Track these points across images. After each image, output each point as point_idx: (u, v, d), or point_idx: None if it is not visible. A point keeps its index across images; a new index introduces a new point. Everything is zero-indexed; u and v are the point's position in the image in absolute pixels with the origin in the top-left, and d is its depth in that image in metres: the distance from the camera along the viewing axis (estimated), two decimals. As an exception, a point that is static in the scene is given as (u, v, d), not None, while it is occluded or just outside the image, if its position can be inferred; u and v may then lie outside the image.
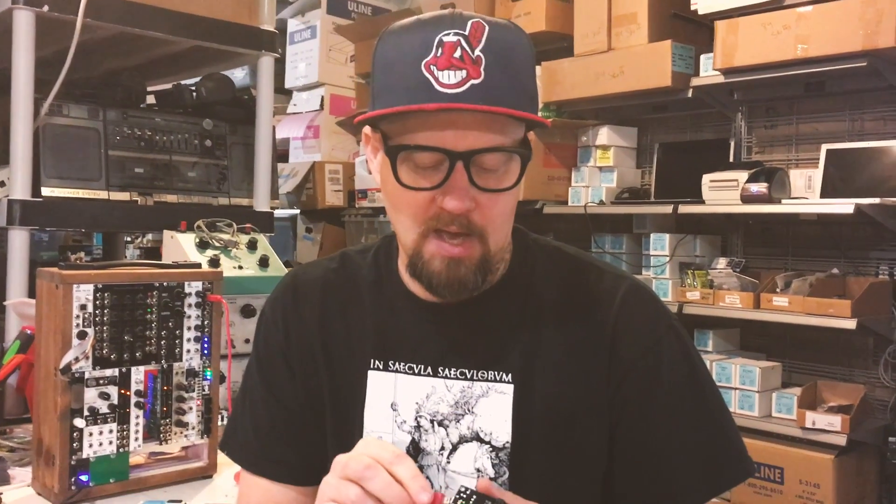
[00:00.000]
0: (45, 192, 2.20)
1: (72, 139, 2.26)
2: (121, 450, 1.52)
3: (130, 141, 2.37)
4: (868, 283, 2.98)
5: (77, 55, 2.14)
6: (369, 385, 1.02)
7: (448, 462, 0.99)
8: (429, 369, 1.00)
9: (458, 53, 0.86)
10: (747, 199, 3.08)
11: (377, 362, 1.03)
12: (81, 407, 1.47)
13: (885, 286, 3.03)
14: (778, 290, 3.15)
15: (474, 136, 0.88)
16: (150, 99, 2.71)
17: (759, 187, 3.05)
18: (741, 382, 3.14)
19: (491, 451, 0.98)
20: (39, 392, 1.54)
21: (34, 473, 1.55)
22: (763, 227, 3.49)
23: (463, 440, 0.99)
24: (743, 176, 3.13)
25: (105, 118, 2.32)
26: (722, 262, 3.37)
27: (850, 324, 2.82)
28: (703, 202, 3.27)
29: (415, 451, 1.00)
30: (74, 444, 1.47)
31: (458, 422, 0.99)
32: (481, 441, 0.98)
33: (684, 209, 3.32)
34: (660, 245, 3.52)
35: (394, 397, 1.01)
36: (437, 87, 0.86)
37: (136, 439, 1.54)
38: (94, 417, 1.49)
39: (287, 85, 5.17)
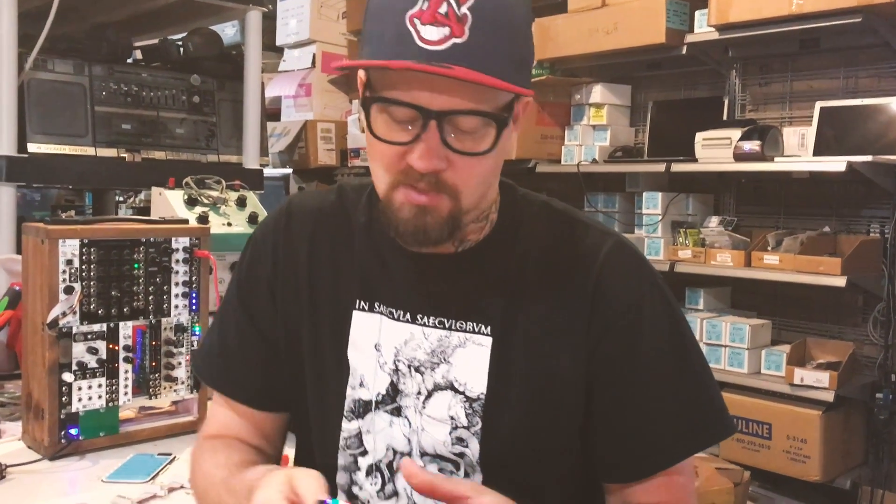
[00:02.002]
0: (32, 148, 2.17)
1: (57, 94, 2.23)
2: (110, 404, 1.53)
3: (117, 97, 2.34)
4: (859, 241, 2.99)
5: (61, 9, 2.10)
6: (354, 325, 1.03)
7: (424, 407, 1.00)
8: (407, 315, 1.01)
9: (443, 9, 0.84)
10: (740, 157, 3.07)
11: (363, 303, 1.03)
12: (70, 361, 1.48)
13: (876, 244, 3.03)
14: (769, 248, 3.15)
15: (450, 97, 0.86)
16: (137, 54, 2.67)
17: (752, 145, 3.04)
18: (731, 340, 3.16)
19: (465, 401, 0.98)
20: (28, 347, 1.54)
21: (24, 427, 1.56)
22: (755, 185, 3.49)
23: (437, 388, 0.99)
24: (736, 134, 3.11)
25: (91, 73, 2.29)
26: (714, 221, 3.37)
27: (840, 281, 2.83)
28: (695, 160, 3.26)
29: (393, 392, 1.01)
30: (63, 399, 1.48)
31: (434, 370, 0.99)
32: (455, 391, 0.99)
33: (677, 167, 3.32)
34: (652, 204, 3.51)
35: (378, 338, 1.02)
36: (417, 41, 0.84)
37: (126, 394, 1.55)
38: (83, 372, 1.49)
39: (278, 42, 5.11)
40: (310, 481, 0.85)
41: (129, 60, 2.58)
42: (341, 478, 1.04)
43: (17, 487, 1.37)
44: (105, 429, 1.53)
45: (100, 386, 1.52)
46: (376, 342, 1.02)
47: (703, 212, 3.55)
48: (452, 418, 0.98)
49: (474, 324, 0.98)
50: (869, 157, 2.79)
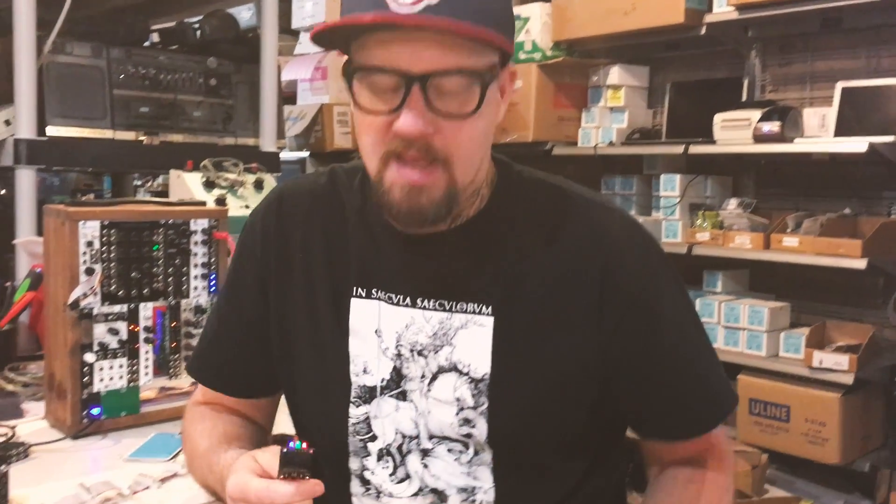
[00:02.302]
0: (51, 131, 2.19)
1: (76, 78, 2.25)
2: (131, 384, 1.55)
3: (135, 80, 2.35)
4: (880, 222, 2.95)
5: (79, -8, 2.12)
6: (352, 312, 1.02)
7: (429, 390, 1.00)
8: (407, 300, 1.00)
9: None
10: (760, 138, 3.04)
11: (360, 290, 1.02)
12: (91, 342, 1.50)
13: (897, 226, 3.00)
14: (788, 230, 3.12)
15: (431, 57, 0.85)
16: (154, 37, 2.68)
17: (772, 126, 3.00)
18: (749, 322, 3.15)
19: (469, 382, 0.98)
20: (49, 328, 1.56)
21: (47, 407, 1.58)
22: (775, 166, 3.45)
23: (441, 370, 0.99)
24: (755, 115, 3.08)
25: (109, 56, 2.30)
26: (733, 203, 3.34)
27: (861, 264, 2.80)
28: (714, 142, 3.22)
29: (398, 377, 1.01)
30: (85, 379, 1.49)
31: (437, 353, 0.99)
32: (459, 372, 0.98)
33: (695, 149, 3.28)
34: (670, 186, 3.49)
35: (378, 324, 1.01)
36: (391, 4, 0.83)
37: (147, 374, 1.57)
38: (104, 352, 1.51)
39: (294, 25, 5.09)
40: (272, 457, 0.89)
41: (147, 43, 2.59)
42: (353, 463, 1.04)
43: (41, 466, 1.39)
44: (126, 408, 1.55)
45: (121, 366, 1.53)
46: (376, 328, 1.01)
47: (722, 194, 3.52)
48: (458, 400, 0.98)
49: (475, 304, 0.98)
50: (891, 138, 2.75)
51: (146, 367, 1.56)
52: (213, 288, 1.63)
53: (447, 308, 0.98)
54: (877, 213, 3.15)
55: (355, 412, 1.02)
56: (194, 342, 1.61)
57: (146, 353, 1.56)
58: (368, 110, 0.89)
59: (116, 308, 1.52)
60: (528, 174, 1.05)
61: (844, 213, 3.12)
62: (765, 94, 3.46)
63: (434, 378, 0.99)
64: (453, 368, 0.98)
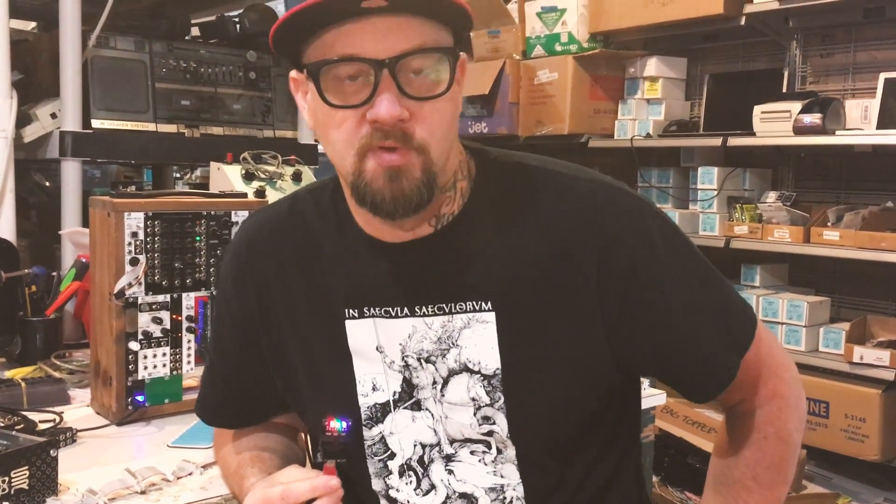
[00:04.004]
0: (96, 123, 2.23)
1: (119, 71, 2.28)
2: (174, 372, 1.58)
3: (176, 73, 2.38)
4: (924, 216, 2.90)
5: (122, -14, 2.14)
6: (349, 334, 1.00)
7: (442, 395, 0.99)
8: (405, 310, 0.98)
9: None
10: (800, 130, 2.99)
11: (352, 311, 1.00)
12: (136, 331, 1.53)
13: (942, 220, 2.94)
14: (829, 223, 3.08)
15: (395, 39, 0.84)
16: (195, 31, 2.71)
17: (813, 118, 2.96)
18: (788, 317, 3.11)
19: (482, 380, 0.97)
20: (95, 317, 1.60)
21: (93, 394, 1.62)
22: (816, 159, 3.40)
23: (452, 373, 0.98)
24: (796, 107, 3.04)
25: (151, 50, 2.34)
26: (772, 196, 3.30)
27: (903, 258, 2.76)
28: (753, 134, 3.19)
29: (409, 387, 1.00)
30: (130, 366, 1.53)
31: (444, 356, 0.98)
32: (471, 371, 0.97)
33: (734, 142, 3.25)
34: (708, 179, 3.45)
35: (378, 340, 1.00)
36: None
37: (189, 362, 1.60)
38: (148, 341, 1.54)
39: (330, 18, 5.12)
40: (288, 471, 0.94)
41: (187, 37, 2.62)
42: (376, 485, 1.04)
43: (88, 451, 1.43)
44: (170, 396, 1.58)
45: (164, 355, 1.56)
46: (377, 345, 0.99)
47: (761, 187, 3.47)
48: (474, 399, 0.97)
49: (473, 302, 0.96)
50: (936, 130, 2.71)
51: (188, 355, 1.59)
52: (254, 278, 1.65)
53: (447, 311, 0.97)
54: (921, 206, 3.09)
55: (369, 434, 1.02)
56: (235, 332, 1.63)
57: (188, 342, 1.59)
58: (341, 105, 0.87)
59: (160, 298, 1.55)
60: (504, 159, 1.02)
61: (887, 207, 3.06)
62: (805, 85, 3.41)
63: (446, 382, 0.98)
64: (464, 369, 0.97)
